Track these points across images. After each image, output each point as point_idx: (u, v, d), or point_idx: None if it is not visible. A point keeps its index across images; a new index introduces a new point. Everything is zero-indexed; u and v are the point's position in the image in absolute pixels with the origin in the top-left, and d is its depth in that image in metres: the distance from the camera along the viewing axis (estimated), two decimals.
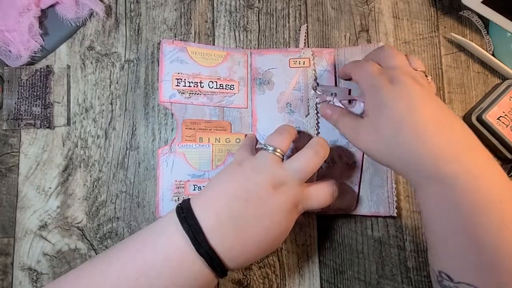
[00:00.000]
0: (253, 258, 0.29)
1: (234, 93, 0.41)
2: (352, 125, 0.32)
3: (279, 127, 0.33)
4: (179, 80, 0.40)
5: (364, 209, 0.39)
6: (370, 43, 0.43)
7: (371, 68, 0.31)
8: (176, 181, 0.39)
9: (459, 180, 0.26)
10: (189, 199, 0.29)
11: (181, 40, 0.42)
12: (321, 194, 0.31)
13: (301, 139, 0.39)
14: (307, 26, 0.43)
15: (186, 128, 0.40)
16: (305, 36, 0.43)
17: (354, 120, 0.33)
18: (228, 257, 0.27)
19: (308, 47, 0.43)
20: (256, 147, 0.31)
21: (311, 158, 0.29)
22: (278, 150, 0.30)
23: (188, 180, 0.39)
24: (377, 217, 0.40)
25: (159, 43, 0.43)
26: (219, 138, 0.40)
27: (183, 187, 0.39)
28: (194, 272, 0.26)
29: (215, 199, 0.28)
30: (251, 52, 0.42)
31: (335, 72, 0.41)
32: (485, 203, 0.25)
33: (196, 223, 0.27)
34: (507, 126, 0.39)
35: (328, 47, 0.43)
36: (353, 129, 0.32)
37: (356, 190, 0.39)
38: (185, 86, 0.40)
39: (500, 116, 0.39)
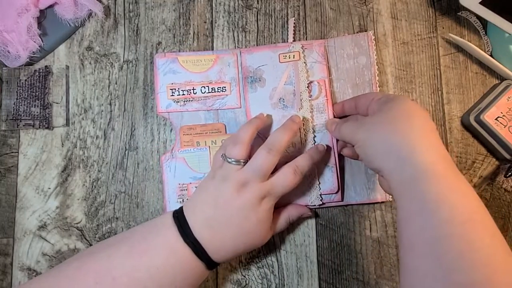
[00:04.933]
0: (234, 251, 0.34)
1: (226, 95, 0.41)
2: (355, 124, 0.35)
3: (233, 136, 0.36)
4: (173, 90, 0.41)
5: (363, 197, 0.40)
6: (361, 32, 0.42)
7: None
8: (179, 184, 0.40)
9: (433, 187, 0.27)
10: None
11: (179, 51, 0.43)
12: (282, 178, 0.35)
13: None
14: (295, 19, 0.43)
15: (183, 134, 0.41)
16: (293, 29, 0.43)
17: (358, 119, 0.36)
18: (211, 249, 0.32)
19: (299, 40, 0.43)
20: (220, 158, 0.35)
21: (265, 156, 0.34)
22: (240, 161, 0.34)
23: (190, 183, 0.40)
24: (374, 204, 0.41)
25: (158, 44, 0.43)
26: (215, 140, 0.41)
27: (186, 189, 0.40)
28: (184, 258, 0.32)
29: (195, 205, 0.34)
30: (240, 52, 0.42)
31: (327, 63, 0.41)
32: (450, 221, 0.26)
33: (184, 220, 0.33)
34: (505, 126, 0.39)
35: (317, 39, 0.43)
36: (357, 126, 0.34)
37: (335, 172, 0.40)
38: (179, 95, 0.41)
39: (498, 117, 0.40)
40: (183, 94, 0.41)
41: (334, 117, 0.41)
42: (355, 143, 0.34)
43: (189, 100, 0.41)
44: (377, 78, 0.41)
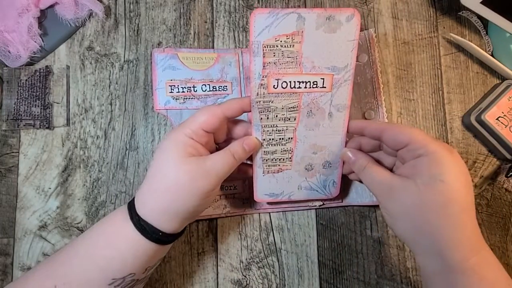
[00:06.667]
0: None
1: (228, 94, 0.41)
2: (386, 181, 0.30)
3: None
4: (172, 86, 0.41)
5: (364, 199, 0.40)
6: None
7: (422, 131, 0.30)
8: None
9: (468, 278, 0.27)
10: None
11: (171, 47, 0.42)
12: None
13: None
14: None
15: None
16: None
17: (388, 176, 0.30)
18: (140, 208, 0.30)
19: None
20: None
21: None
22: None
23: None
24: (375, 207, 0.41)
25: (158, 44, 0.43)
26: None
27: None
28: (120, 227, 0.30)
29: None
30: (241, 51, 0.42)
31: None
32: None
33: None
34: (506, 126, 0.39)
35: None
36: (386, 188, 0.30)
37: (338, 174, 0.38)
38: (178, 92, 0.41)
39: (499, 117, 0.39)
40: (183, 92, 0.41)
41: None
42: (380, 206, 0.31)
43: (189, 98, 0.41)
44: (379, 75, 0.41)
